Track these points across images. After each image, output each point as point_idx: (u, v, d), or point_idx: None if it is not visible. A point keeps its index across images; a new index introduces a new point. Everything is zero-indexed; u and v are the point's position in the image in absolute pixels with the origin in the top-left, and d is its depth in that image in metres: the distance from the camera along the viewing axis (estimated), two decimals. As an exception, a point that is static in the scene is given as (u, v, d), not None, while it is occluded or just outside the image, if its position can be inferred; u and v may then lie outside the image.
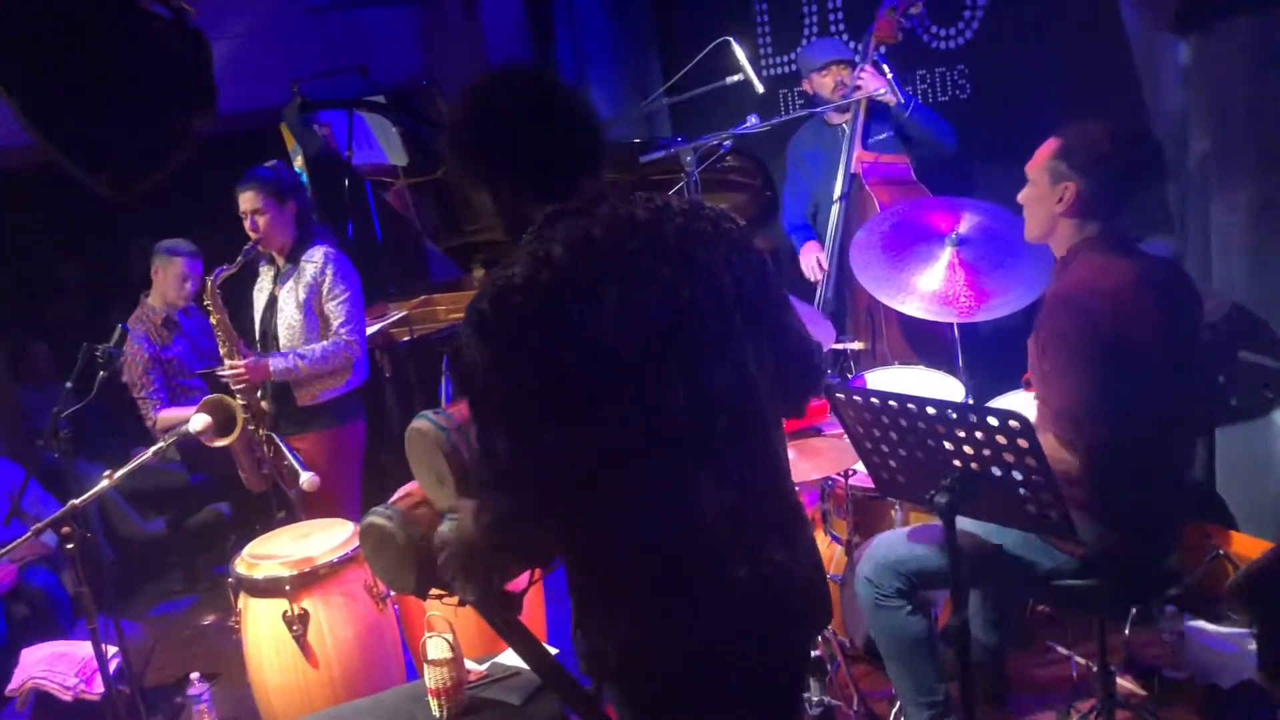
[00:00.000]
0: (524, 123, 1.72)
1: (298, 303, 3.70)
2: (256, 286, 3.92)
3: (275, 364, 3.62)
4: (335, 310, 3.71)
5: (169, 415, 4.58)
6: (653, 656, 1.74)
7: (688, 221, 1.74)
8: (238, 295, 3.97)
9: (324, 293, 3.71)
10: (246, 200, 3.68)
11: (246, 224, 3.68)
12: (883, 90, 4.01)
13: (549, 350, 1.62)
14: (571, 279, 1.64)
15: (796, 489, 1.88)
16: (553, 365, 1.62)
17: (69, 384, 3.74)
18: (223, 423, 3.67)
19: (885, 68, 4.08)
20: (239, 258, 3.67)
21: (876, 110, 4.17)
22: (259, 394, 3.70)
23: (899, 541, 2.71)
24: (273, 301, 3.80)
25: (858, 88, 4.08)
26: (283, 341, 3.73)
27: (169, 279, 4.72)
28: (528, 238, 1.71)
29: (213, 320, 3.64)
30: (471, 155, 1.77)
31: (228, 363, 3.61)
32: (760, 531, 1.75)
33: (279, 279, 3.79)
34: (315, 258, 3.73)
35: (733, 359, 1.73)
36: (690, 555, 1.71)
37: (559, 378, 1.63)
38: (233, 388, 3.64)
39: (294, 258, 3.77)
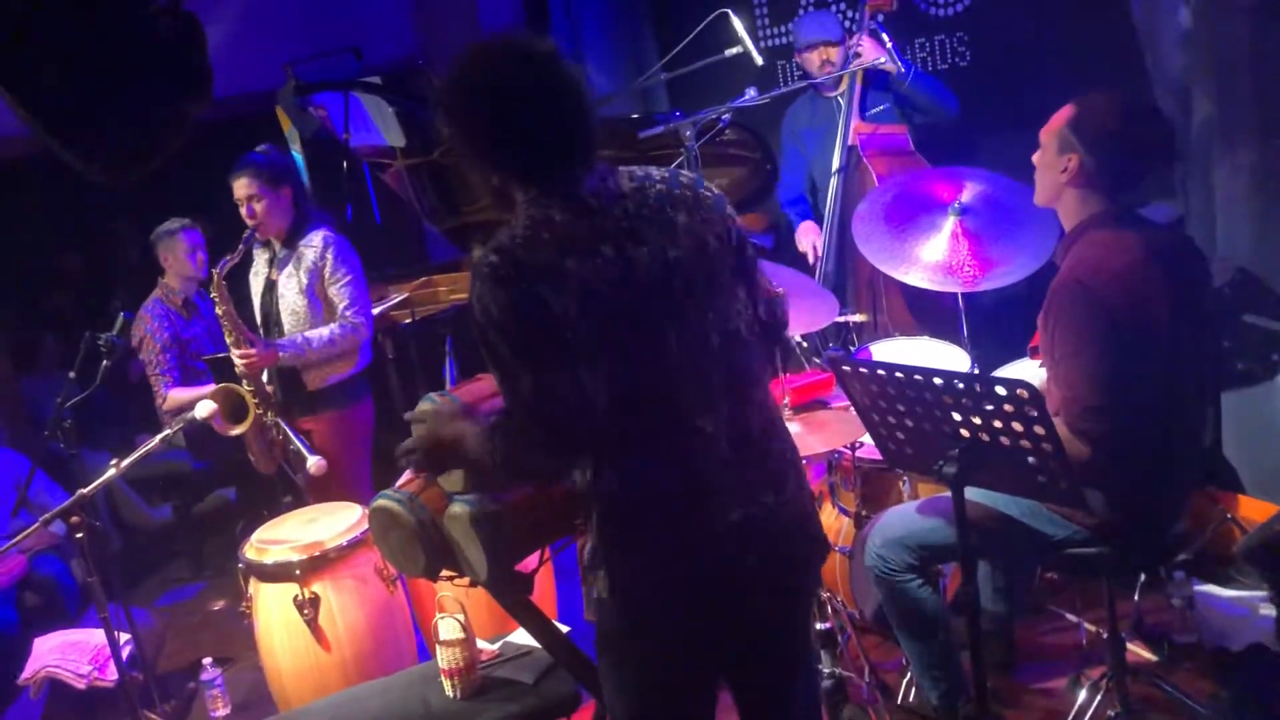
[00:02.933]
0: (509, 117, 1.77)
1: (300, 288, 3.68)
2: (252, 271, 3.88)
3: (284, 349, 3.61)
4: (339, 294, 3.69)
5: (179, 395, 4.61)
6: (650, 595, 1.82)
7: (668, 189, 1.85)
8: (235, 282, 3.94)
9: (325, 277, 3.68)
10: (241, 186, 3.64)
11: (243, 210, 3.65)
12: (882, 59, 3.95)
13: (553, 299, 1.70)
14: (570, 236, 1.74)
15: (788, 436, 1.95)
16: (556, 314, 1.70)
17: (72, 373, 3.75)
18: (233, 410, 3.67)
19: (884, 36, 4.03)
20: (240, 246, 3.63)
21: (874, 81, 4.12)
22: (265, 379, 3.69)
23: (908, 516, 2.70)
24: (271, 286, 3.77)
25: (857, 54, 4.03)
26: (287, 327, 3.71)
27: (178, 258, 4.78)
28: (524, 202, 1.80)
29: (219, 311, 3.62)
30: (455, 129, 1.82)
31: (236, 351, 3.60)
32: (754, 477, 1.84)
33: (276, 264, 3.76)
34: (314, 242, 3.70)
35: (720, 313, 1.83)
36: (686, 498, 1.80)
37: (562, 326, 1.71)
38: (240, 374, 3.63)
39: (291, 242, 3.73)
